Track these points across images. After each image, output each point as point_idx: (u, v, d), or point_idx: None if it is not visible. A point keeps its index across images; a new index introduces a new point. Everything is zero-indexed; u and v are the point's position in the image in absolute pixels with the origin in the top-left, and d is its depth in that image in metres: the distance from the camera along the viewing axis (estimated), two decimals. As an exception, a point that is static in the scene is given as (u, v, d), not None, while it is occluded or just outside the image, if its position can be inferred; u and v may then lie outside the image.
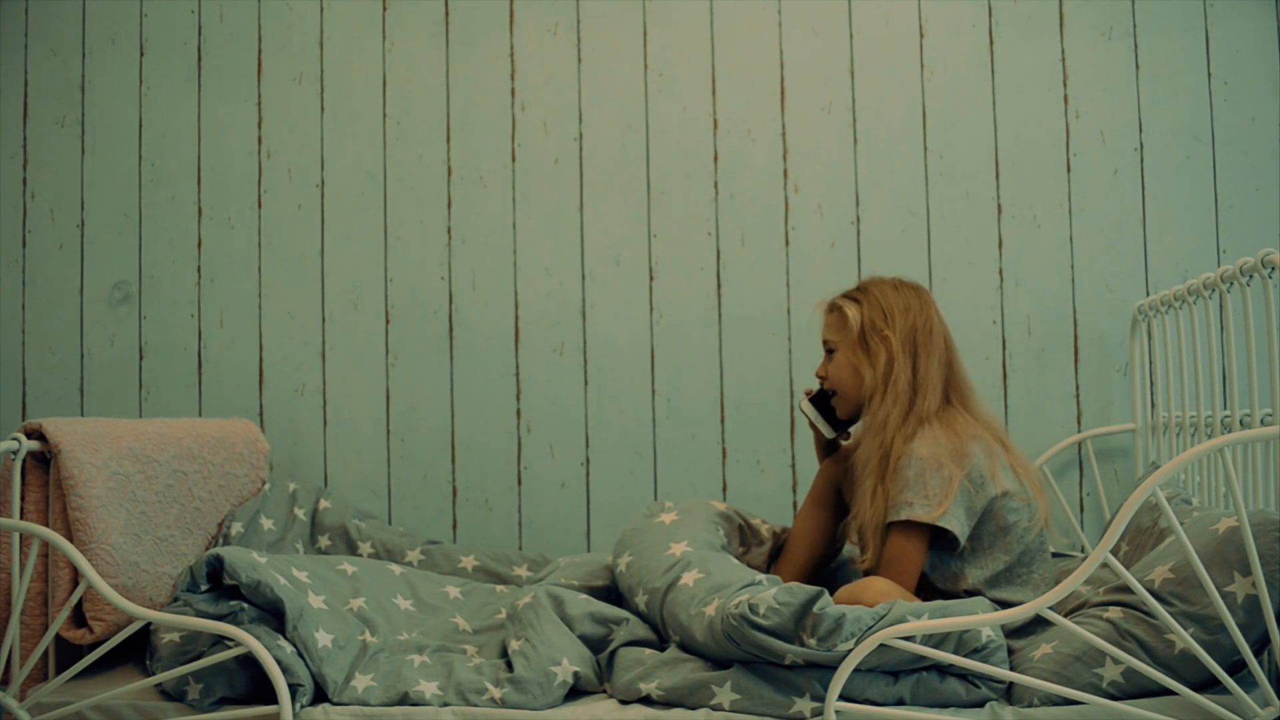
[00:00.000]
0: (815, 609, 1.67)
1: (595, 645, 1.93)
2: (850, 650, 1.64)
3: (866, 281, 2.15)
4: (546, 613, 1.92)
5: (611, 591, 2.14)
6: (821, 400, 2.18)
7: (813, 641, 1.67)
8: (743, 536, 2.23)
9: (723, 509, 2.20)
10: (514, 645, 1.88)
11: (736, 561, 2.01)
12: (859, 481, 2.05)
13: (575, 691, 1.85)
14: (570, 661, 1.83)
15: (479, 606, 2.18)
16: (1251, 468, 1.87)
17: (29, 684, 1.90)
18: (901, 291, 2.10)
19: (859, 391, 2.10)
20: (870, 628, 1.67)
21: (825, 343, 2.16)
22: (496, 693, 1.78)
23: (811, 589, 1.69)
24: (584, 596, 1.99)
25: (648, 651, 1.87)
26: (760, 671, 1.72)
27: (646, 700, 1.78)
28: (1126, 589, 1.69)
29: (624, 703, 1.79)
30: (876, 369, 2.06)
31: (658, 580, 1.95)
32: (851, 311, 2.09)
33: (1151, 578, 1.69)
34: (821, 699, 1.67)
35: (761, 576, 1.91)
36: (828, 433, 2.18)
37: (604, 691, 1.86)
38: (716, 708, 1.72)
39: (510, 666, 1.86)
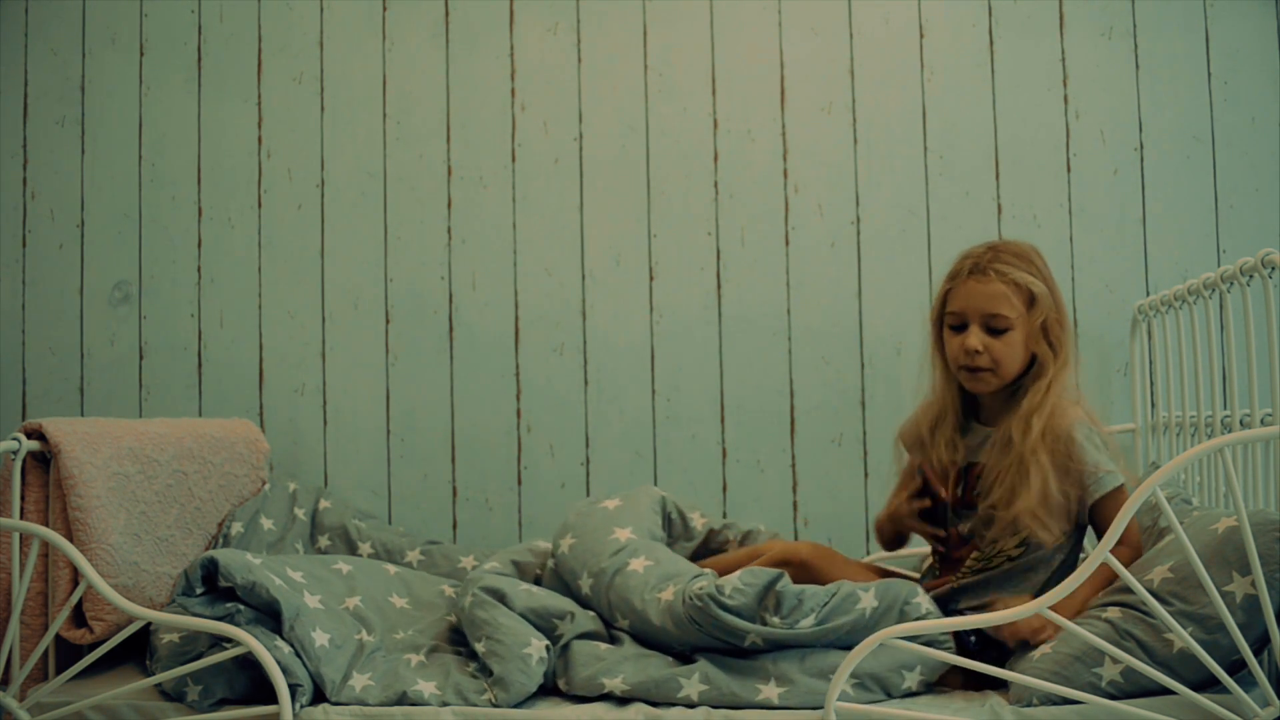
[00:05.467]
0: (778, 587, 1.74)
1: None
2: (811, 628, 1.72)
3: (1019, 249, 1.90)
4: (496, 607, 1.90)
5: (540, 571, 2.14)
6: (933, 513, 1.96)
7: (776, 620, 1.73)
8: (670, 528, 2.22)
9: (661, 495, 2.21)
10: (480, 648, 1.86)
11: (679, 555, 2.04)
12: (1022, 461, 1.82)
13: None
14: (538, 639, 1.84)
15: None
16: (1251, 468, 1.87)
17: (29, 684, 1.90)
18: (1042, 265, 1.92)
19: (1018, 376, 1.91)
20: (825, 603, 1.74)
21: (994, 316, 1.86)
22: (489, 696, 1.78)
23: (773, 571, 1.77)
24: (524, 588, 1.97)
25: (604, 646, 1.86)
26: (723, 662, 1.76)
27: (609, 696, 1.78)
28: (1126, 588, 1.69)
29: (622, 702, 1.79)
30: (1059, 358, 1.88)
31: (604, 562, 1.96)
32: (1040, 291, 1.87)
33: (1151, 577, 1.69)
34: (789, 683, 1.72)
35: (706, 570, 1.93)
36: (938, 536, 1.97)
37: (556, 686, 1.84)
38: (685, 700, 1.73)
39: (488, 671, 1.83)
